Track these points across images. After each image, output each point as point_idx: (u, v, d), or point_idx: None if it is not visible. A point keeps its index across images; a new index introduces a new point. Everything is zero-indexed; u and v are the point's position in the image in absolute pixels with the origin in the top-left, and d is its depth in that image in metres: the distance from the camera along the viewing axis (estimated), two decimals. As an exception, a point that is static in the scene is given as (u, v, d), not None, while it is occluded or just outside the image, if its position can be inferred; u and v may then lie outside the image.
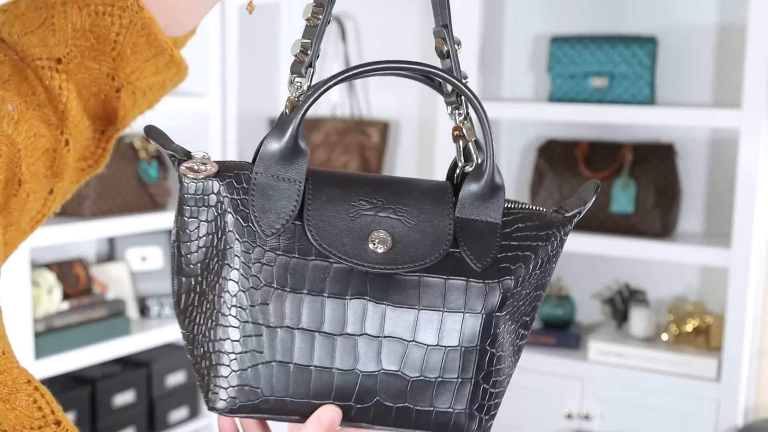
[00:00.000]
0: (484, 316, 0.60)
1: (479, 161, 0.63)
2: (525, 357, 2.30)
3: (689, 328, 2.23)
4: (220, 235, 0.61)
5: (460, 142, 0.65)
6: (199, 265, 0.62)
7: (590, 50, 2.25)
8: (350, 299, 0.60)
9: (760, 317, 2.19)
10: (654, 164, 2.25)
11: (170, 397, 2.41)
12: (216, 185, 0.61)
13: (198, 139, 2.43)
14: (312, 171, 0.63)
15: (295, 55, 0.63)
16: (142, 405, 2.32)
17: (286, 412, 0.61)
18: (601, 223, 2.27)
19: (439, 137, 2.37)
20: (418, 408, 0.61)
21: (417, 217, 0.62)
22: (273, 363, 0.59)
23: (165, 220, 2.33)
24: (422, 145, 2.73)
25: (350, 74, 0.61)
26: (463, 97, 0.63)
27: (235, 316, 0.60)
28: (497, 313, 0.61)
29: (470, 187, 0.63)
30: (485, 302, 0.60)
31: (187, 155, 0.63)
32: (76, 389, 2.14)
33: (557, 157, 2.35)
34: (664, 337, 2.25)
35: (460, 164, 0.65)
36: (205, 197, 0.61)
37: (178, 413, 2.44)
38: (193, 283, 0.62)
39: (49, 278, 2.08)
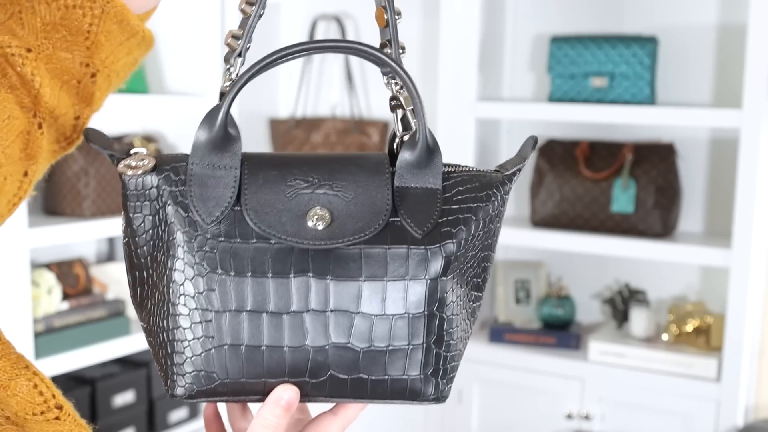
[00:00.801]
0: (429, 281, 0.61)
1: (413, 129, 0.64)
2: (525, 357, 2.30)
3: (689, 328, 2.23)
4: (163, 227, 0.62)
5: (398, 111, 0.66)
6: (148, 258, 0.63)
7: (590, 50, 2.25)
8: (293, 277, 0.61)
9: (760, 317, 2.19)
10: (654, 164, 2.25)
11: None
12: (155, 179, 0.63)
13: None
14: (247, 155, 0.64)
15: (227, 45, 0.64)
16: (142, 405, 2.32)
17: (243, 393, 0.62)
18: (602, 223, 2.26)
19: (439, 137, 2.37)
20: (372, 378, 0.62)
21: (354, 191, 0.63)
22: (225, 347, 0.61)
23: (165, 220, 2.33)
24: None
25: (278, 57, 0.61)
26: (386, 66, 0.64)
27: (183, 305, 0.61)
28: (442, 278, 0.62)
29: (406, 156, 0.64)
30: (428, 267, 0.61)
31: (127, 153, 0.64)
32: (76, 389, 2.14)
33: (557, 157, 2.35)
34: (665, 337, 2.25)
35: (398, 134, 0.66)
36: (146, 192, 0.63)
37: (178, 413, 2.44)
38: (144, 275, 0.64)
39: (49, 278, 2.08)
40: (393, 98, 0.67)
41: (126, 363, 2.34)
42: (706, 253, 2.12)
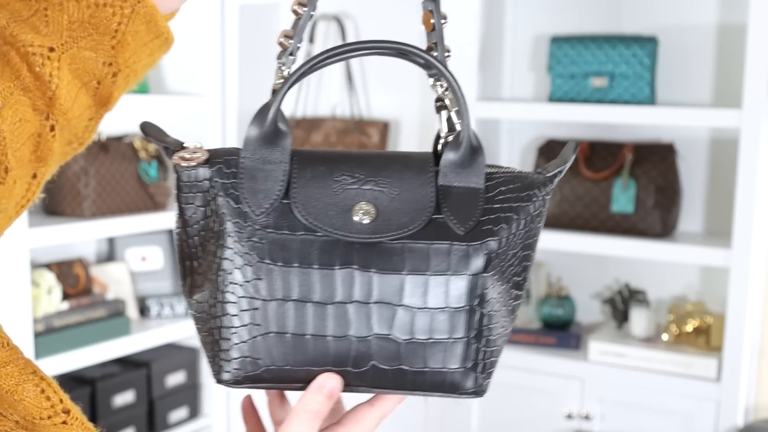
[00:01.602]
0: (470, 277, 0.63)
1: (458, 130, 0.66)
2: (525, 357, 2.30)
3: (689, 328, 2.23)
4: (214, 218, 0.65)
5: (443, 113, 0.68)
6: (199, 248, 0.66)
7: (590, 50, 2.25)
8: (338, 269, 0.63)
9: (760, 317, 2.19)
10: (654, 164, 2.24)
11: (170, 397, 2.41)
12: (207, 172, 0.65)
13: (198, 139, 2.42)
14: (296, 151, 0.66)
15: (279, 44, 0.67)
16: (142, 405, 2.32)
17: (287, 380, 0.64)
18: (602, 223, 2.26)
19: (439, 137, 2.37)
20: (412, 369, 0.63)
21: (399, 188, 0.65)
22: (270, 334, 0.63)
23: (165, 220, 2.33)
24: (422, 145, 2.72)
25: (327, 57, 0.64)
26: (434, 68, 0.66)
27: (232, 293, 0.63)
28: (483, 274, 0.63)
29: (450, 155, 0.66)
30: (469, 264, 0.63)
31: (181, 146, 0.67)
32: (76, 389, 2.14)
33: (557, 156, 2.35)
34: (665, 337, 2.25)
35: (443, 135, 0.68)
36: (198, 183, 0.65)
37: (178, 413, 2.44)
38: (195, 265, 0.66)
39: (49, 278, 2.08)
40: (438, 100, 0.68)
41: (126, 363, 2.34)
42: (706, 253, 2.12)
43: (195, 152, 0.66)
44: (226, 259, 0.63)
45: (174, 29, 0.72)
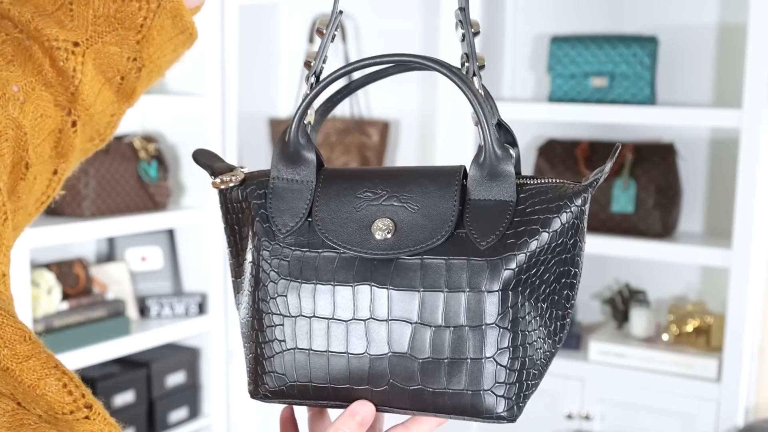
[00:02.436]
0: (489, 293, 0.60)
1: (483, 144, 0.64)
2: (525, 357, 2.30)
3: (690, 328, 2.23)
4: (247, 237, 0.67)
5: (479, 127, 0.66)
6: (242, 266, 0.69)
7: (590, 50, 2.25)
8: (356, 285, 0.63)
9: (760, 317, 2.19)
10: (654, 164, 2.24)
11: (170, 397, 2.41)
12: (242, 193, 0.68)
13: (197, 139, 2.42)
14: (327, 170, 0.67)
15: (305, 65, 0.67)
16: (142, 405, 2.32)
17: (312, 397, 0.65)
18: (602, 223, 2.26)
19: (439, 137, 2.37)
20: (431, 390, 0.62)
21: (421, 202, 0.64)
22: (294, 350, 0.64)
23: (165, 220, 2.33)
24: (422, 144, 2.72)
25: (348, 69, 0.64)
26: (477, 79, 0.65)
27: (260, 309, 0.65)
28: (504, 291, 0.60)
29: (475, 169, 0.64)
30: (489, 279, 0.60)
31: (230, 170, 0.69)
32: (76, 389, 2.14)
33: (557, 157, 2.35)
34: (665, 337, 2.25)
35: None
36: (234, 205, 0.68)
37: (178, 413, 2.44)
38: (239, 282, 0.69)
39: (49, 278, 2.08)
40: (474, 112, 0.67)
41: (126, 363, 2.34)
42: (706, 253, 2.12)
43: (233, 175, 0.68)
44: (254, 276, 0.65)
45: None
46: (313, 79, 0.67)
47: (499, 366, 0.61)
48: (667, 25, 2.33)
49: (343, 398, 0.64)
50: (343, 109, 2.77)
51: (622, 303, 2.37)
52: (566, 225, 0.62)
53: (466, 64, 0.67)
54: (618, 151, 0.64)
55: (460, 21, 0.66)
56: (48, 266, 2.18)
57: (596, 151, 2.33)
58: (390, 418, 0.69)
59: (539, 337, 0.63)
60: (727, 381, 2.08)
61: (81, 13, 0.63)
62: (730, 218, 2.17)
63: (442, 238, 0.62)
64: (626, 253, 2.21)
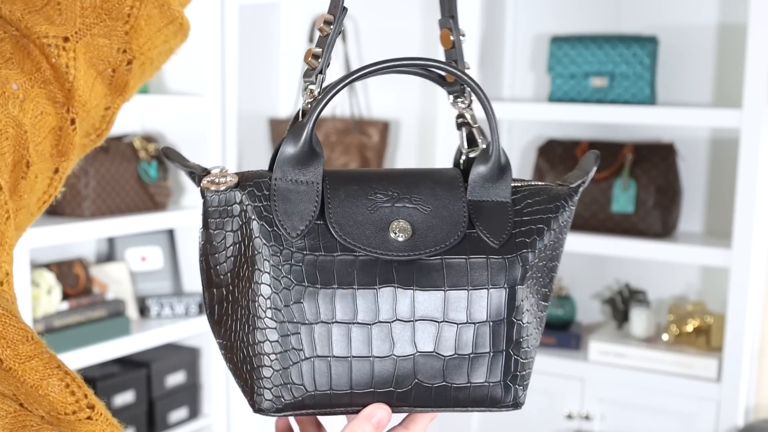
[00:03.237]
0: (508, 289, 0.64)
1: (485, 145, 0.67)
2: (525, 357, 2.30)
3: (690, 328, 2.23)
4: (247, 243, 0.63)
5: (464, 129, 0.68)
6: (228, 274, 0.64)
7: (590, 50, 2.25)
8: (379, 288, 0.62)
9: (760, 317, 2.19)
10: (654, 164, 2.24)
11: (170, 397, 2.41)
12: (238, 195, 0.63)
13: (198, 139, 2.42)
14: (327, 171, 0.66)
15: (307, 63, 0.66)
16: (142, 405, 2.32)
17: (330, 406, 0.63)
18: (602, 223, 2.26)
19: (439, 137, 2.37)
20: (455, 385, 0.64)
21: (432, 204, 0.65)
22: (313, 359, 0.62)
23: (165, 220, 2.33)
24: (422, 144, 2.72)
25: (357, 76, 0.63)
26: (466, 85, 0.66)
27: (271, 318, 0.62)
28: (519, 286, 0.64)
29: (479, 170, 0.66)
30: (507, 276, 0.64)
31: (206, 171, 0.65)
32: (76, 389, 2.14)
33: (557, 157, 2.35)
34: (665, 337, 2.25)
35: (464, 150, 0.69)
36: (229, 208, 0.64)
37: (178, 413, 2.44)
38: (224, 293, 0.65)
39: (49, 278, 2.08)
40: (459, 116, 0.69)
41: (126, 363, 2.34)
42: (706, 253, 2.12)
43: (224, 176, 0.64)
44: (263, 284, 0.62)
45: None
46: (321, 77, 0.66)
47: (514, 357, 0.65)
48: (667, 25, 2.33)
49: (362, 404, 0.63)
50: (343, 109, 2.77)
51: (622, 303, 2.37)
52: (563, 223, 0.66)
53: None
54: (599, 158, 0.69)
55: (450, 28, 0.68)
56: (48, 266, 2.18)
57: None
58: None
59: (534, 329, 0.67)
60: (727, 381, 2.08)
61: (68, 6, 0.63)
62: (730, 218, 2.17)
63: (459, 238, 0.64)
64: (626, 253, 2.21)
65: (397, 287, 0.62)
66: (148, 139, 2.36)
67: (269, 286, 0.62)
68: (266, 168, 0.66)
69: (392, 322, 0.62)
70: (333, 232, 0.63)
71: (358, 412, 0.63)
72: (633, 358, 2.21)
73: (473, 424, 2.40)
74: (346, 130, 2.70)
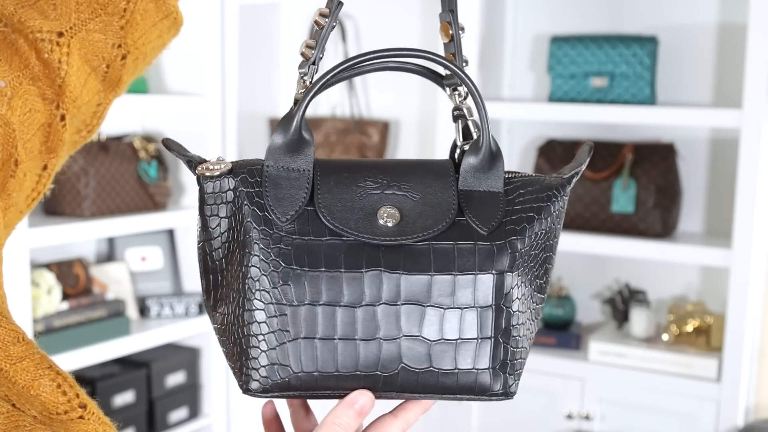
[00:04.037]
0: (495, 275, 0.64)
1: (476, 137, 0.68)
2: (525, 357, 2.30)
3: (690, 328, 2.23)
4: (239, 228, 0.65)
5: (460, 121, 0.69)
6: (223, 260, 0.66)
7: (590, 50, 2.25)
8: (366, 271, 0.63)
9: (760, 317, 2.19)
10: (654, 164, 2.24)
11: (170, 397, 2.41)
12: (232, 182, 0.66)
13: (198, 139, 2.42)
14: (320, 160, 0.68)
15: (301, 54, 0.68)
16: (142, 405, 2.32)
17: (316, 388, 0.64)
18: (602, 223, 2.26)
19: (439, 137, 2.37)
20: (442, 370, 0.64)
21: (422, 192, 0.66)
22: (299, 340, 0.63)
23: (165, 220, 2.33)
24: (422, 145, 2.72)
25: (345, 66, 0.65)
26: (456, 76, 0.67)
27: (259, 299, 0.63)
28: (508, 273, 0.64)
29: (470, 161, 0.67)
30: (495, 262, 0.64)
31: (202, 160, 0.67)
32: (76, 389, 2.14)
33: (557, 157, 2.35)
34: (665, 337, 2.25)
35: (459, 143, 0.69)
36: (222, 194, 0.66)
37: (178, 413, 2.44)
38: (219, 278, 0.67)
39: (49, 278, 2.08)
40: (456, 109, 0.69)
41: (126, 363, 2.34)
42: (706, 253, 2.12)
43: (218, 163, 0.66)
44: (252, 266, 0.64)
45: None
46: (313, 69, 0.68)
47: (504, 344, 0.64)
48: (667, 25, 2.33)
49: (348, 387, 0.64)
50: (343, 109, 2.77)
51: (622, 303, 2.37)
52: (555, 213, 0.67)
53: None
54: (592, 149, 0.69)
55: (449, 22, 0.69)
56: (48, 266, 2.18)
57: (596, 151, 2.33)
58: (376, 410, 0.69)
59: (528, 319, 0.67)
60: (727, 381, 2.08)
61: (63, 1, 0.62)
62: (730, 218, 2.17)
63: (447, 224, 0.64)
64: (626, 253, 2.21)
65: (384, 271, 0.63)
66: (148, 139, 2.36)
67: (258, 268, 0.63)
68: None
69: (378, 305, 0.63)
70: (321, 216, 0.64)
71: (344, 396, 0.64)
72: (633, 358, 2.21)
73: (473, 424, 2.40)
74: (346, 130, 2.70)
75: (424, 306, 0.63)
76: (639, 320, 2.27)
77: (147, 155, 2.31)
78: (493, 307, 0.64)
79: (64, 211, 2.16)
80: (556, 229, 0.67)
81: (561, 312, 2.39)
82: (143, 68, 0.70)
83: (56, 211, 2.17)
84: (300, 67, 0.68)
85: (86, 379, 2.20)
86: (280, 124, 0.67)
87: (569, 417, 2.27)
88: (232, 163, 0.67)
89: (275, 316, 0.63)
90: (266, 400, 0.70)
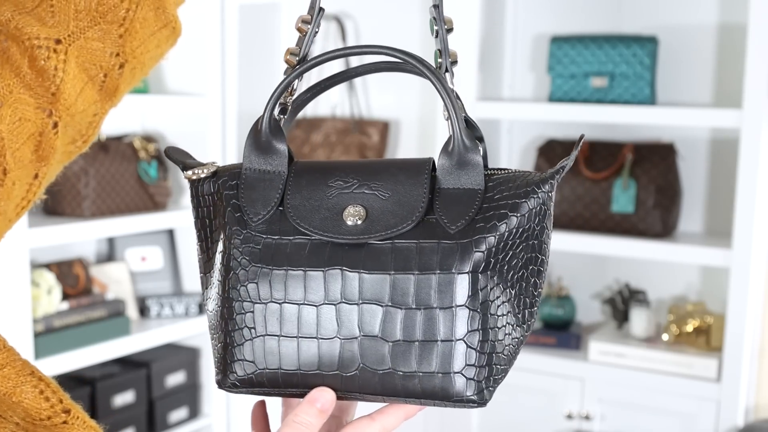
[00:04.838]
0: (460, 274, 0.62)
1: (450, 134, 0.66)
2: (525, 357, 2.30)
3: (690, 328, 2.23)
4: (219, 229, 0.68)
5: (449, 120, 0.68)
6: (211, 259, 0.69)
7: (590, 50, 2.24)
8: (327, 270, 0.63)
9: (760, 317, 2.19)
10: (654, 164, 2.24)
11: (170, 397, 2.41)
12: (215, 185, 0.68)
13: (197, 139, 2.42)
14: (297, 162, 0.69)
15: (286, 61, 0.68)
16: (142, 405, 2.32)
17: (281, 385, 0.65)
18: (602, 223, 2.26)
19: (439, 137, 2.37)
20: (401, 372, 0.62)
21: (392, 190, 0.66)
22: (264, 336, 0.64)
23: (165, 220, 2.33)
24: (422, 145, 2.72)
25: (311, 64, 0.66)
26: (449, 75, 0.68)
27: (229, 297, 0.65)
28: (474, 273, 0.62)
29: (444, 159, 0.66)
30: (459, 261, 0.62)
31: (200, 165, 0.70)
32: (76, 389, 2.14)
33: (557, 157, 2.35)
34: (665, 337, 2.25)
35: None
36: (206, 197, 0.69)
37: (178, 413, 2.44)
38: (208, 278, 0.69)
39: (49, 278, 2.08)
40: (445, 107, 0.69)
41: (126, 363, 2.34)
42: (706, 253, 2.12)
43: (205, 168, 0.68)
44: (224, 265, 0.66)
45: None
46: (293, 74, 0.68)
47: (469, 348, 0.62)
48: (667, 25, 2.33)
49: (312, 385, 0.64)
50: (343, 109, 2.77)
51: (622, 303, 2.37)
52: (533, 210, 0.64)
53: (439, 60, 0.69)
54: (581, 140, 0.65)
55: (434, 18, 0.68)
56: (48, 266, 2.18)
57: (596, 151, 2.33)
58: (359, 413, 0.69)
59: (508, 323, 0.64)
60: (727, 381, 2.08)
61: (62, 9, 0.62)
62: (730, 218, 2.17)
63: (413, 223, 0.64)
64: (626, 253, 2.21)
65: (344, 269, 0.63)
66: (148, 139, 2.36)
67: (230, 267, 0.65)
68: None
69: (338, 303, 0.63)
70: (288, 216, 0.65)
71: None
72: (633, 358, 2.21)
73: (473, 423, 2.40)
74: (346, 130, 2.70)
75: (383, 305, 0.62)
76: (639, 320, 2.27)
77: (147, 155, 2.31)
78: (459, 308, 0.61)
79: (64, 211, 2.16)
80: (540, 228, 0.64)
81: (561, 312, 2.39)
82: (140, 78, 0.70)
83: (56, 211, 2.17)
84: (285, 73, 0.68)
85: (86, 379, 2.20)
86: (252, 128, 0.68)
87: (569, 417, 2.27)
88: (217, 167, 0.69)
89: (243, 314, 0.64)
90: (258, 398, 0.71)
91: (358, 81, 2.75)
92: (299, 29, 0.68)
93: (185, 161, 0.70)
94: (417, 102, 2.70)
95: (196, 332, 2.44)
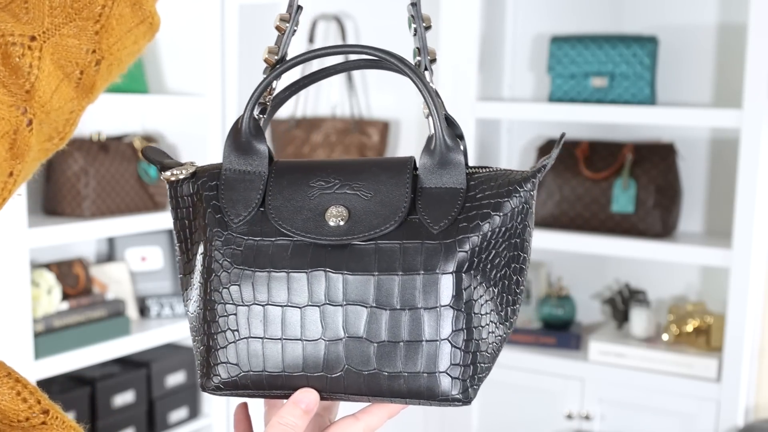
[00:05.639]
0: (444, 275, 0.62)
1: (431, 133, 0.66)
2: (525, 357, 2.30)
3: (690, 328, 2.23)
4: (199, 230, 0.67)
5: (430, 119, 0.67)
6: (193, 260, 0.67)
7: (590, 50, 2.24)
8: (310, 271, 0.63)
9: (760, 317, 2.19)
10: (654, 164, 2.24)
11: (170, 397, 2.41)
12: (194, 186, 0.67)
13: (197, 140, 2.42)
14: (278, 162, 0.68)
15: (265, 60, 0.68)
16: (142, 405, 2.32)
17: (266, 387, 0.64)
18: (602, 223, 2.26)
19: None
20: (386, 373, 0.62)
21: (374, 190, 0.65)
22: (247, 339, 0.64)
23: (165, 220, 2.33)
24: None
25: (290, 64, 0.66)
26: (429, 73, 0.67)
27: (211, 299, 0.64)
28: (458, 273, 0.62)
29: (425, 158, 0.66)
30: (442, 262, 0.62)
31: (178, 165, 0.69)
32: (76, 389, 2.14)
33: (557, 157, 2.35)
34: (665, 337, 2.25)
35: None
36: (185, 198, 0.68)
37: (178, 413, 2.44)
38: (189, 280, 0.68)
39: (49, 278, 2.08)
40: (425, 106, 0.68)
41: (126, 363, 2.34)
42: (706, 253, 2.12)
43: (183, 168, 0.67)
44: (206, 267, 0.65)
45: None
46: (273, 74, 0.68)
47: (454, 347, 0.62)
48: (667, 25, 2.33)
49: (296, 387, 0.64)
50: (343, 109, 2.77)
51: (622, 303, 2.37)
52: (516, 209, 0.64)
53: (418, 58, 0.68)
54: (563, 138, 0.65)
55: (413, 16, 0.67)
56: (48, 266, 2.18)
57: (596, 151, 2.33)
58: (342, 411, 0.69)
59: (492, 321, 0.64)
60: (727, 381, 2.08)
61: (36, 5, 0.61)
62: (730, 218, 2.17)
63: (396, 223, 0.63)
64: (626, 253, 2.21)
65: (327, 271, 0.63)
66: (148, 139, 2.36)
67: (212, 269, 0.64)
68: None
69: (322, 305, 0.63)
70: (270, 217, 0.65)
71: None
72: (633, 358, 2.21)
73: (473, 423, 2.40)
74: (346, 130, 2.70)
75: (367, 307, 0.62)
76: (639, 320, 2.27)
77: (147, 155, 2.31)
78: (443, 308, 0.61)
79: (64, 211, 2.16)
80: (523, 226, 0.64)
81: (561, 312, 2.39)
82: (117, 74, 0.69)
83: (56, 211, 2.17)
84: (264, 73, 0.68)
85: (86, 379, 2.20)
86: (231, 129, 0.67)
87: (569, 417, 2.27)
88: (196, 167, 0.68)
89: (225, 316, 0.64)
90: (241, 400, 0.70)
91: (358, 81, 2.75)
92: (278, 28, 0.68)
93: (163, 161, 0.69)
94: (417, 102, 2.70)
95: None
